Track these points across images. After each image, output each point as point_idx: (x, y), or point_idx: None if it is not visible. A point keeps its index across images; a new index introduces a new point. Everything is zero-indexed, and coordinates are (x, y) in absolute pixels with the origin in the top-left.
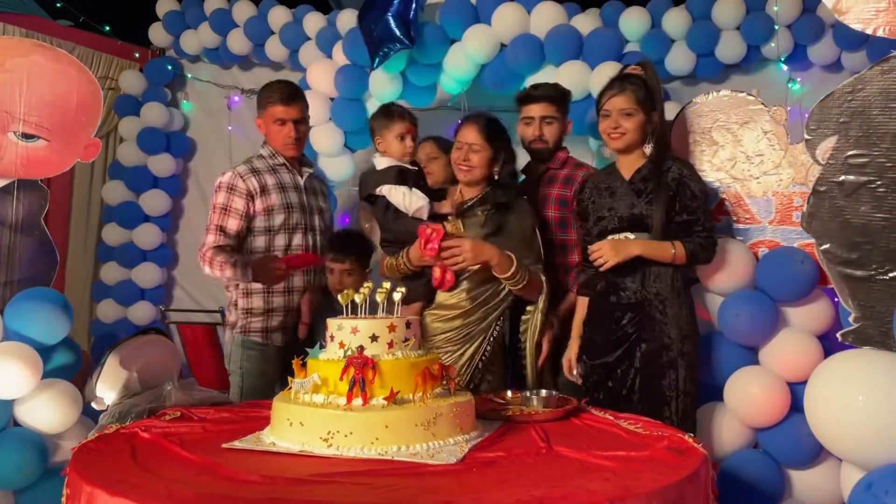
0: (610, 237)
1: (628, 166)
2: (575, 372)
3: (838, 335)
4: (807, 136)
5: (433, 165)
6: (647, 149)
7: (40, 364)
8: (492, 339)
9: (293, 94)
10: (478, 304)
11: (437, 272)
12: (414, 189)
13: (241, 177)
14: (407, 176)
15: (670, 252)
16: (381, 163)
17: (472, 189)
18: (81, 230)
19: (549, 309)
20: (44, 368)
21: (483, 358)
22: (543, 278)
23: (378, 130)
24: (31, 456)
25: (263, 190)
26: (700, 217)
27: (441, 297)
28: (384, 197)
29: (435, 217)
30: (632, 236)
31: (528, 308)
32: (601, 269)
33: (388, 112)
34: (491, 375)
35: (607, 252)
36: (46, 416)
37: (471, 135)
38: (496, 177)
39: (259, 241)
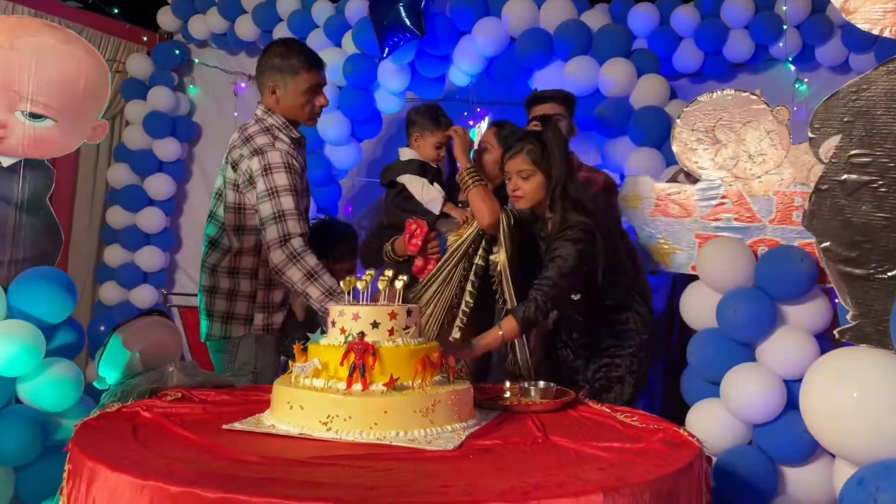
0: None
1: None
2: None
3: (835, 332)
4: (811, 135)
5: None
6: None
7: (43, 342)
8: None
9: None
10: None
11: (419, 262)
12: (434, 183)
13: (291, 155)
14: (426, 170)
15: (497, 335)
16: (406, 154)
17: None
18: (85, 212)
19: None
20: (46, 347)
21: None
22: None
23: (419, 129)
24: (33, 433)
25: (303, 170)
26: (551, 274)
27: None
28: (400, 184)
29: (443, 216)
30: None
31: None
32: None
33: (437, 118)
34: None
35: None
36: (48, 395)
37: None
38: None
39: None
